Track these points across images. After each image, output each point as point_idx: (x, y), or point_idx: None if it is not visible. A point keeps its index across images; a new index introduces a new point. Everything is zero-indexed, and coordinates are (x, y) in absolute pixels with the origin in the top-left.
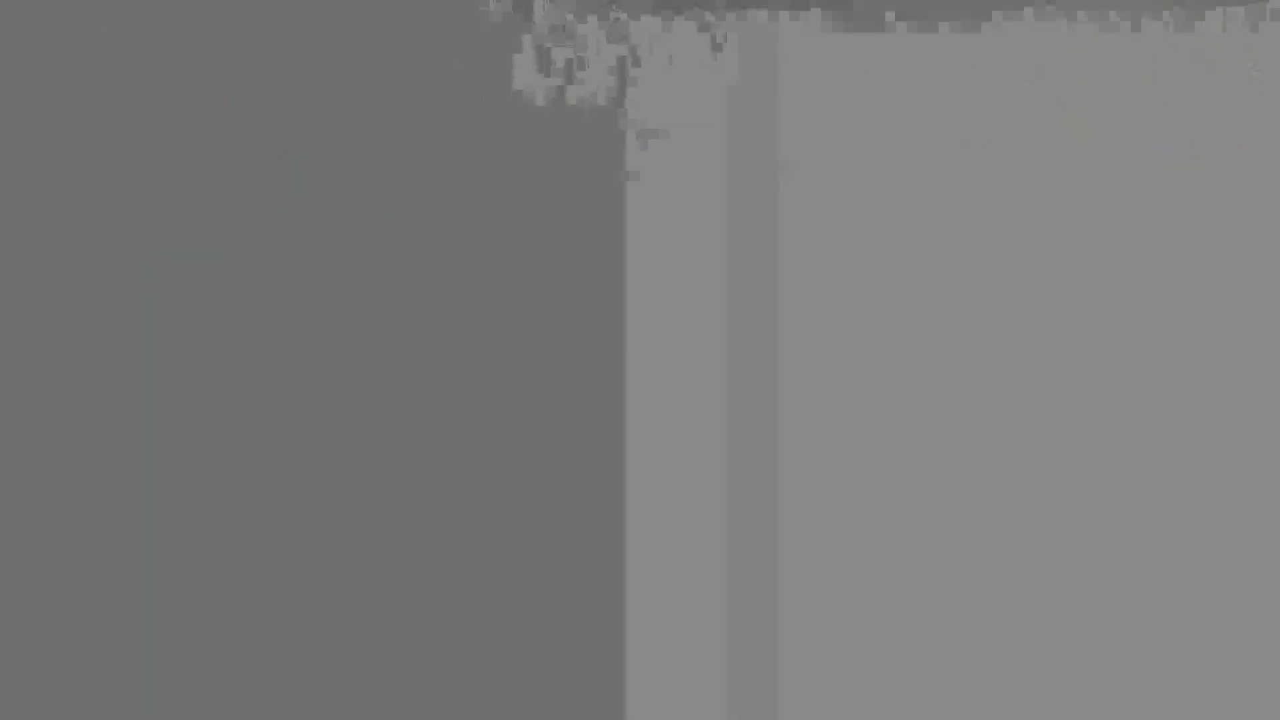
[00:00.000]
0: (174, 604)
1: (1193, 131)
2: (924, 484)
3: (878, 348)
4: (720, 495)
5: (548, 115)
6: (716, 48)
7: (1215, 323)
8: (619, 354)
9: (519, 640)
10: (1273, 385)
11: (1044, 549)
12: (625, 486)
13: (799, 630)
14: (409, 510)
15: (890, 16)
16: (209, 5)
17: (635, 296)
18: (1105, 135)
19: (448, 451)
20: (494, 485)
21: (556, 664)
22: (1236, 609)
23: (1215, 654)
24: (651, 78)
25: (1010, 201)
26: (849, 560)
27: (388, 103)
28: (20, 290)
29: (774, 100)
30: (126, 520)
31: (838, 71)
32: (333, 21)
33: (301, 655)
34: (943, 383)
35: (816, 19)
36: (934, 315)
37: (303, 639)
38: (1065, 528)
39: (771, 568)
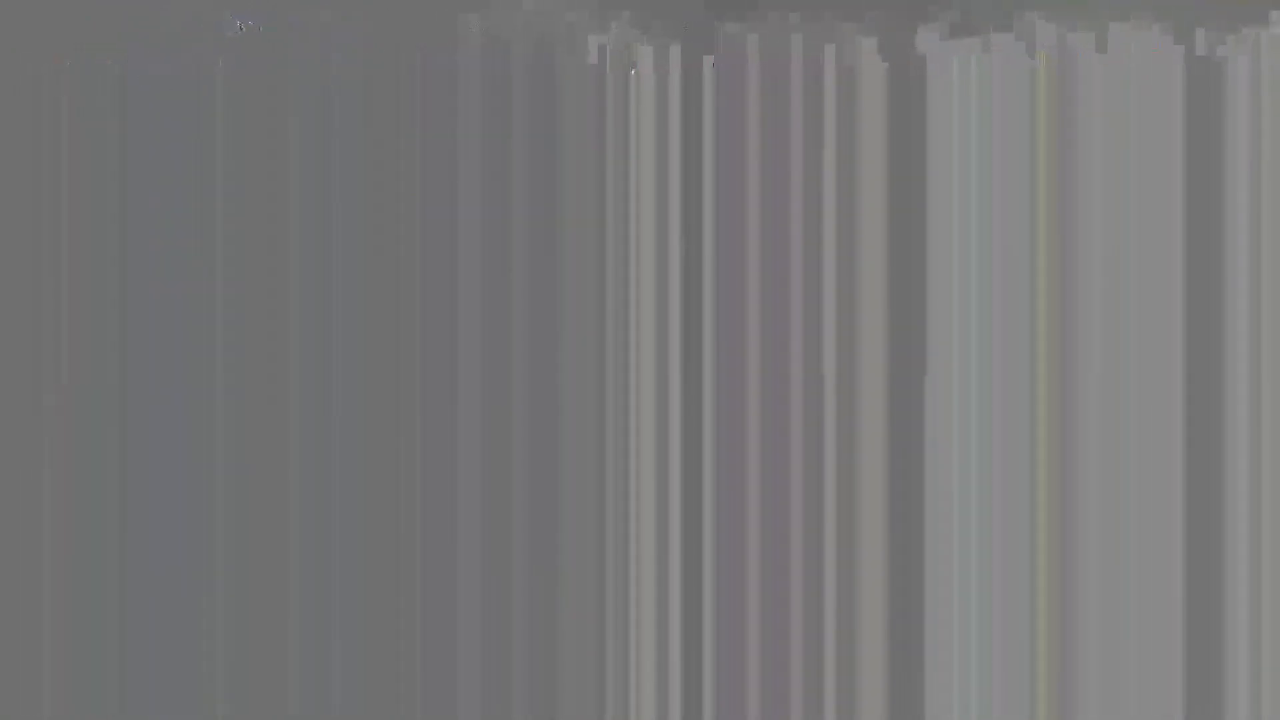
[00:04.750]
0: (173, 602)
1: (1180, 140)
2: (918, 480)
3: (872, 346)
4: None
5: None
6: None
7: (1209, 325)
8: (610, 354)
9: (516, 638)
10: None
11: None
12: (629, 488)
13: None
14: (407, 508)
15: (890, 19)
16: (208, 5)
17: (620, 297)
18: (1091, 143)
19: (448, 450)
20: (493, 484)
21: (555, 663)
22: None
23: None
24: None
25: (1008, 203)
26: (842, 559)
27: (389, 104)
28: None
29: (773, 102)
30: (126, 519)
31: (838, 74)
32: (335, 27)
33: (297, 654)
34: (935, 379)
35: (823, 21)
36: (929, 314)
37: (299, 638)
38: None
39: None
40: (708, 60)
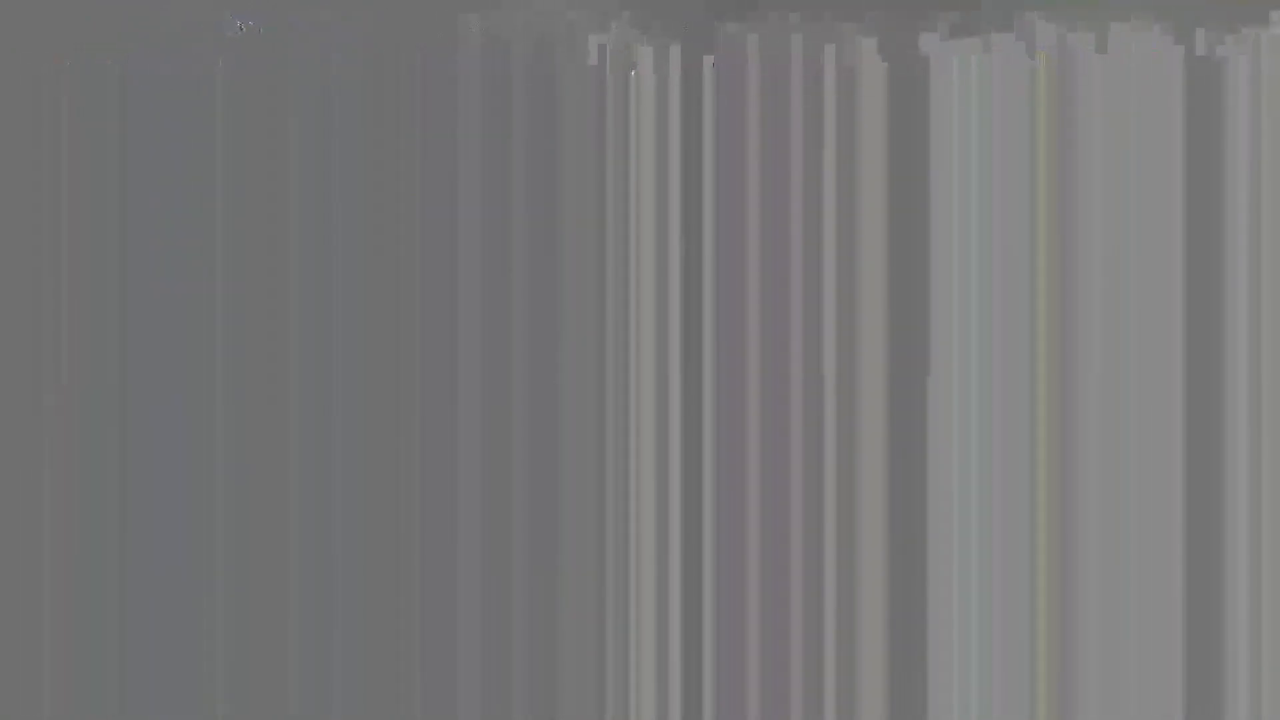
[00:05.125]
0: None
1: (1178, 140)
2: (919, 480)
3: (872, 346)
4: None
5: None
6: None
7: (1210, 325)
8: (610, 354)
9: (516, 638)
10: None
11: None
12: (629, 488)
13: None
14: (407, 508)
15: (890, 20)
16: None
17: (620, 297)
18: (1091, 143)
19: (448, 450)
20: (493, 484)
21: (553, 663)
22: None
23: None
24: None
25: (1008, 203)
26: (840, 557)
27: (388, 102)
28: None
29: (773, 104)
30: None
31: (837, 74)
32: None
33: (297, 654)
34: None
35: (823, 21)
36: (930, 314)
37: (299, 638)
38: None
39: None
40: (708, 60)
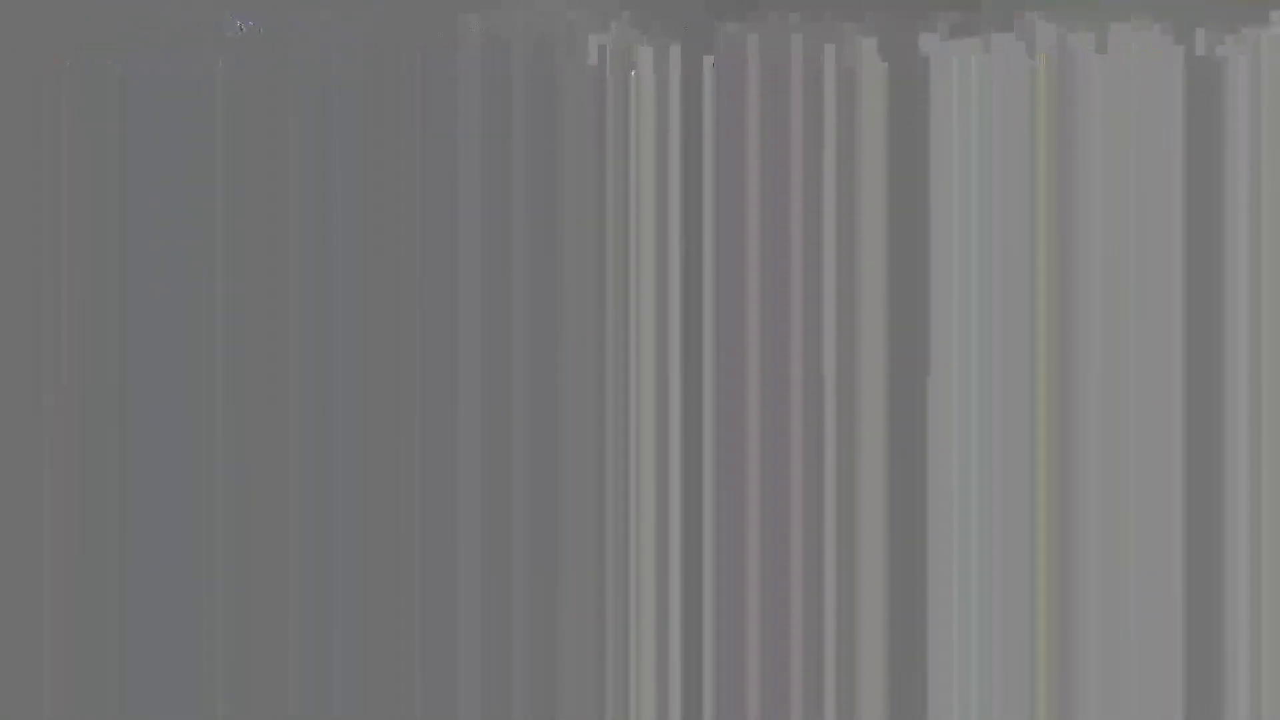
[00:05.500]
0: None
1: (1178, 141)
2: (919, 480)
3: (872, 347)
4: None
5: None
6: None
7: (1210, 328)
8: (610, 354)
9: (516, 638)
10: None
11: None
12: (629, 488)
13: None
14: (407, 508)
15: (889, 19)
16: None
17: (621, 297)
18: (1091, 143)
19: (448, 450)
20: (493, 484)
21: (554, 663)
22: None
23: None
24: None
25: (1008, 203)
26: (840, 556)
27: (388, 101)
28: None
29: (775, 104)
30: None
31: (838, 75)
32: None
33: (297, 654)
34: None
35: (823, 21)
36: (930, 314)
37: (299, 638)
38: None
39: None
40: (708, 60)
